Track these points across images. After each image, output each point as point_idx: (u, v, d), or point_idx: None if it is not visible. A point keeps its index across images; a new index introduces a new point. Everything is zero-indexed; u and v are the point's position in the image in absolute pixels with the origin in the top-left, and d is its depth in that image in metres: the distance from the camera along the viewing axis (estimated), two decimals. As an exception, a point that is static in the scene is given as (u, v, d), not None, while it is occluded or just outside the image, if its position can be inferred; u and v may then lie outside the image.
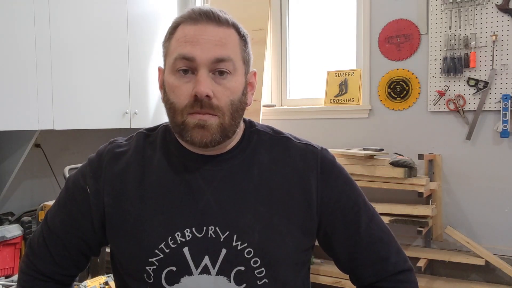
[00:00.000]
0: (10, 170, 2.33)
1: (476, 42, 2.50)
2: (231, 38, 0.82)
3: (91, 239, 0.92)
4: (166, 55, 0.86)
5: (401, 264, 0.92)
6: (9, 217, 2.43)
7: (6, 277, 2.16)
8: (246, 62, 0.86)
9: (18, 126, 2.13)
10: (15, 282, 2.01)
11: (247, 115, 0.94)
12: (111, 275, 1.76)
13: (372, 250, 0.90)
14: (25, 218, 2.38)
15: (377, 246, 0.90)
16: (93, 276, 1.98)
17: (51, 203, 2.20)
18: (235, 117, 0.83)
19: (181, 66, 0.81)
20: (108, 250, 0.99)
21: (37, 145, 2.60)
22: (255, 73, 0.91)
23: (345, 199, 0.90)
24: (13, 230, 2.24)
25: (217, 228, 0.83)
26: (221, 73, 0.81)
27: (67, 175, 2.11)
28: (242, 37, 0.85)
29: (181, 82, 0.81)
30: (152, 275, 0.83)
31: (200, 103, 0.79)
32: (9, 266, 2.22)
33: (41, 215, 2.18)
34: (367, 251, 0.90)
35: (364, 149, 2.59)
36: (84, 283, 1.68)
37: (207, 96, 0.79)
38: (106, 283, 1.71)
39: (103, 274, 1.92)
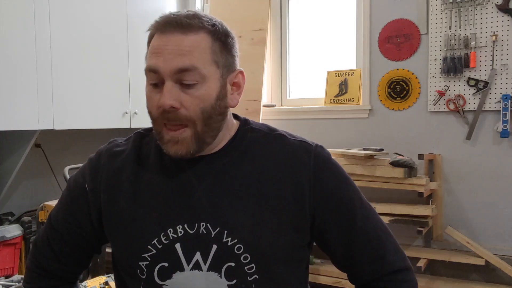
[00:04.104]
0: (10, 170, 2.33)
1: (476, 42, 2.50)
2: (199, 44, 0.80)
3: (91, 237, 0.94)
4: None
5: (398, 263, 0.91)
6: (9, 217, 2.43)
7: (6, 277, 2.16)
8: (221, 66, 0.83)
9: (18, 126, 2.13)
10: (15, 282, 2.01)
11: (246, 115, 0.94)
12: (111, 275, 1.76)
13: (368, 249, 0.89)
14: (25, 218, 2.38)
15: (373, 244, 0.89)
16: (93, 276, 1.98)
17: (51, 203, 2.20)
18: (210, 124, 0.83)
19: (151, 79, 0.82)
20: (108, 250, 1.00)
21: (37, 145, 2.60)
22: (241, 72, 0.89)
23: (339, 196, 0.89)
24: (13, 230, 2.24)
25: (208, 224, 0.84)
26: (187, 83, 0.80)
27: (67, 175, 2.12)
28: (217, 40, 0.82)
29: (153, 93, 0.82)
30: (145, 270, 0.85)
31: (167, 114, 0.80)
32: (9, 266, 2.22)
33: (41, 215, 2.18)
34: (363, 250, 0.89)
35: (364, 149, 2.59)
36: (84, 283, 1.68)
37: (173, 107, 0.79)
38: (106, 283, 1.71)
39: (103, 274, 1.92)
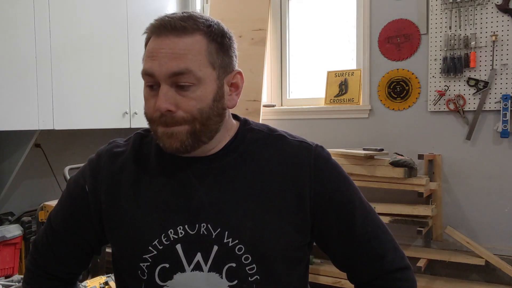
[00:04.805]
0: (10, 170, 2.33)
1: (476, 42, 2.50)
2: (193, 47, 0.80)
3: (91, 237, 0.94)
4: None
5: (398, 262, 0.91)
6: (9, 217, 2.44)
7: (6, 277, 2.16)
8: (218, 67, 0.83)
9: (18, 126, 2.13)
10: (15, 282, 2.01)
11: (246, 115, 0.94)
12: (111, 275, 1.76)
13: (368, 248, 0.90)
14: (25, 218, 2.38)
15: (373, 244, 0.90)
16: (93, 276, 1.98)
17: (51, 203, 2.20)
18: (208, 124, 0.83)
19: (147, 81, 0.83)
20: (108, 250, 1.00)
21: (37, 145, 2.60)
22: (239, 73, 0.88)
23: (339, 196, 0.89)
24: (13, 230, 2.24)
25: (209, 225, 0.84)
26: (182, 86, 0.80)
27: (67, 175, 2.12)
28: (212, 41, 0.82)
29: (149, 95, 0.84)
30: (146, 271, 0.85)
31: (164, 118, 0.81)
32: (9, 266, 2.23)
33: (41, 215, 2.18)
34: (363, 249, 0.90)
35: (364, 149, 2.59)
36: (84, 283, 1.68)
37: (169, 110, 0.80)
38: (106, 283, 1.71)
39: (103, 274, 1.92)
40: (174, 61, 0.79)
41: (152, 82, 0.82)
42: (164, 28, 0.80)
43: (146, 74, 0.82)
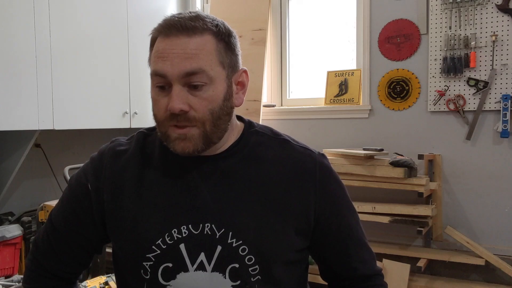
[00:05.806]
0: (10, 170, 2.32)
1: (476, 42, 2.50)
2: (204, 46, 0.80)
3: (93, 236, 0.94)
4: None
5: (378, 267, 0.98)
6: (9, 217, 2.43)
7: (6, 277, 2.16)
8: (227, 66, 0.84)
9: (18, 126, 2.13)
10: (15, 282, 2.01)
11: (246, 115, 0.94)
12: (111, 275, 1.76)
13: (363, 252, 0.95)
14: (25, 218, 2.38)
15: (364, 248, 0.96)
16: (93, 276, 1.98)
17: (51, 203, 2.21)
18: (218, 124, 0.83)
19: (157, 82, 0.82)
20: (108, 250, 1.00)
21: (37, 145, 2.60)
22: (245, 71, 0.89)
23: (340, 203, 0.93)
24: (13, 230, 2.24)
25: (213, 225, 0.84)
26: (195, 86, 0.80)
27: (67, 175, 2.12)
28: (221, 40, 0.83)
29: (160, 96, 0.82)
30: (149, 270, 0.85)
31: (176, 117, 0.80)
32: (9, 266, 2.22)
33: (41, 215, 2.18)
34: (359, 253, 0.95)
35: (364, 149, 2.59)
36: (84, 283, 1.68)
37: (183, 110, 0.79)
38: (106, 283, 1.71)
39: (103, 274, 1.92)
40: (187, 61, 0.79)
41: (163, 83, 0.81)
42: (174, 28, 0.80)
43: (157, 74, 0.81)
